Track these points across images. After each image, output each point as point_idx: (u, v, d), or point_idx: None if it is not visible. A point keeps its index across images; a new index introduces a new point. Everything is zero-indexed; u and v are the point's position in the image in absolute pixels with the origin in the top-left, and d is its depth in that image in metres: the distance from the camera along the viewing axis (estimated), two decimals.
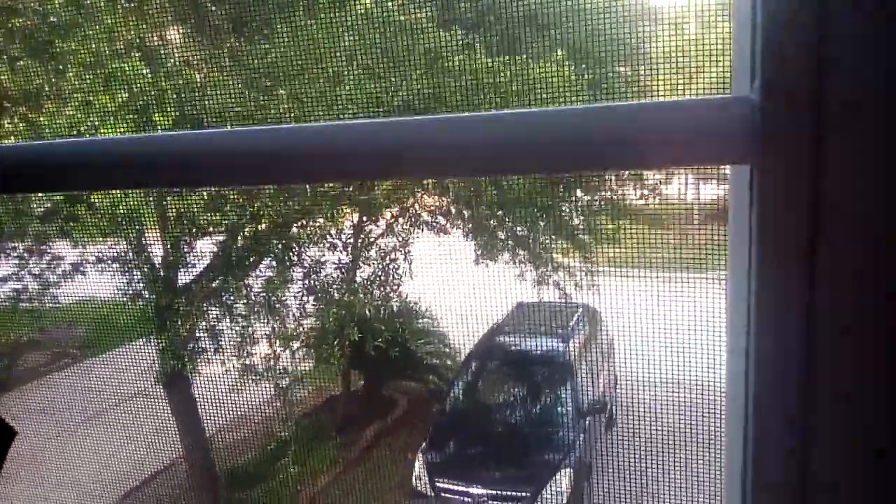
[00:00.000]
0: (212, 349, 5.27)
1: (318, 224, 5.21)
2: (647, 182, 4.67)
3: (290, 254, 5.22)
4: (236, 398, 5.43)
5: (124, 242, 5.22)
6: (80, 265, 5.21)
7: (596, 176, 4.54)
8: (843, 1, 0.54)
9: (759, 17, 0.57)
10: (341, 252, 5.33)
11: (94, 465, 5.85)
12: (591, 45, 3.76)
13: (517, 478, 5.02)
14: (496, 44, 4.27)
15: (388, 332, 5.42)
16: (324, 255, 5.27)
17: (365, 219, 5.39)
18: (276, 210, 5.00)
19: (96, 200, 4.94)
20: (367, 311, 5.35)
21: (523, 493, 4.85)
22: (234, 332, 5.22)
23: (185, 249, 5.16)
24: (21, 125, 4.90)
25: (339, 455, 5.99)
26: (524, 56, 4.17)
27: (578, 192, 4.93)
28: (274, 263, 5.21)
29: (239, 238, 5.18)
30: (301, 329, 5.44)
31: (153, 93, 4.48)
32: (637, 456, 4.59)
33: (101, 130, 4.47)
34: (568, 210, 4.92)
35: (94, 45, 4.52)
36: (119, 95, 4.44)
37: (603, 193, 4.85)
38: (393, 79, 4.29)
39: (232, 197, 4.98)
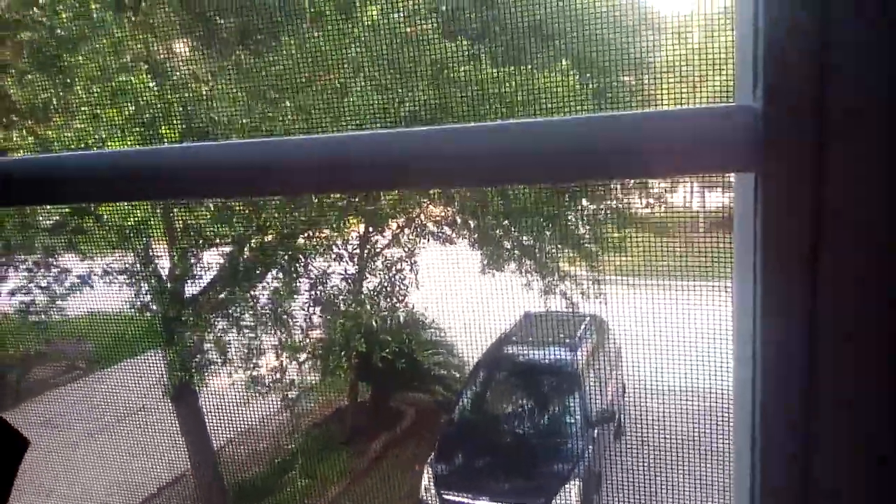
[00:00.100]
0: (219, 361, 5.27)
1: (324, 235, 5.22)
2: (652, 190, 4.66)
3: (297, 265, 5.23)
4: (244, 410, 5.43)
5: (132, 254, 5.23)
6: (88, 277, 5.22)
7: (601, 185, 4.53)
8: (845, 8, 0.54)
9: (762, 24, 0.57)
10: (348, 263, 5.33)
11: (102, 479, 5.84)
12: (596, 54, 3.78)
13: (526, 489, 4.99)
14: (501, 54, 4.28)
15: (395, 343, 5.41)
16: (330, 266, 5.28)
17: (371, 229, 5.40)
18: (283, 221, 5.01)
19: (104, 213, 4.96)
20: (373, 322, 5.35)
21: None
22: (241, 343, 5.22)
23: (193, 261, 5.16)
24: (29, 138, 4.93)
25: (347, 467, 5.97)
26: (529, 66, 4.18)
27: (584, 202, 4.93)
28: (280, 275, 5.22)
29: (246, 249, 5.19)
30: (308, 340, 5.44)
31: (160, 106, 4.51)
32: (646, 465, 4.57)
33: (109, 143, 4.49)
34: (574, 219, 4.91)
35: (101, 59, 4.55)
36: (126, 108, 4.47)
37: (608, 202, 4.84)
38: (399, 90, 4.31)
39: (238, 208, 5.00)
